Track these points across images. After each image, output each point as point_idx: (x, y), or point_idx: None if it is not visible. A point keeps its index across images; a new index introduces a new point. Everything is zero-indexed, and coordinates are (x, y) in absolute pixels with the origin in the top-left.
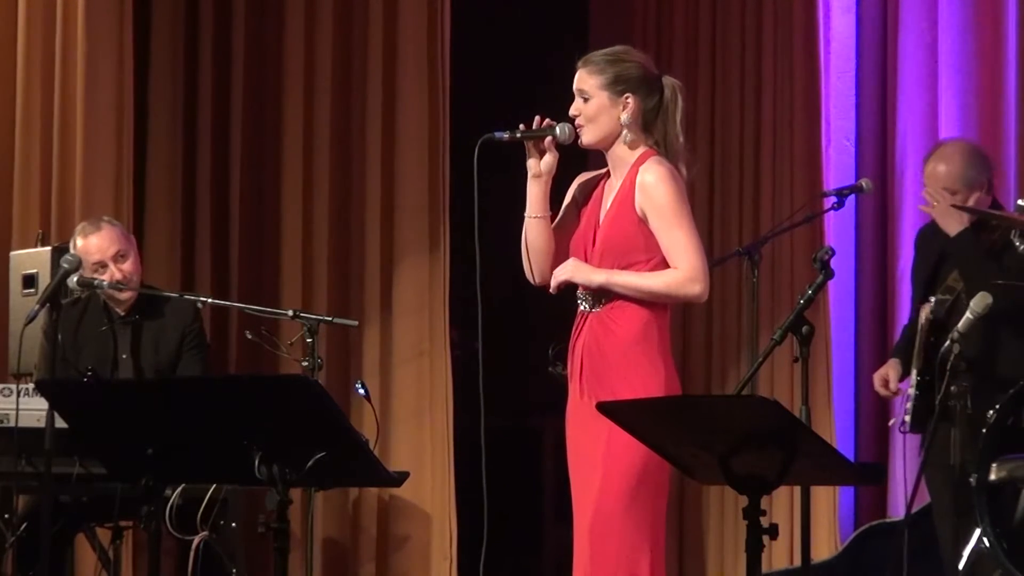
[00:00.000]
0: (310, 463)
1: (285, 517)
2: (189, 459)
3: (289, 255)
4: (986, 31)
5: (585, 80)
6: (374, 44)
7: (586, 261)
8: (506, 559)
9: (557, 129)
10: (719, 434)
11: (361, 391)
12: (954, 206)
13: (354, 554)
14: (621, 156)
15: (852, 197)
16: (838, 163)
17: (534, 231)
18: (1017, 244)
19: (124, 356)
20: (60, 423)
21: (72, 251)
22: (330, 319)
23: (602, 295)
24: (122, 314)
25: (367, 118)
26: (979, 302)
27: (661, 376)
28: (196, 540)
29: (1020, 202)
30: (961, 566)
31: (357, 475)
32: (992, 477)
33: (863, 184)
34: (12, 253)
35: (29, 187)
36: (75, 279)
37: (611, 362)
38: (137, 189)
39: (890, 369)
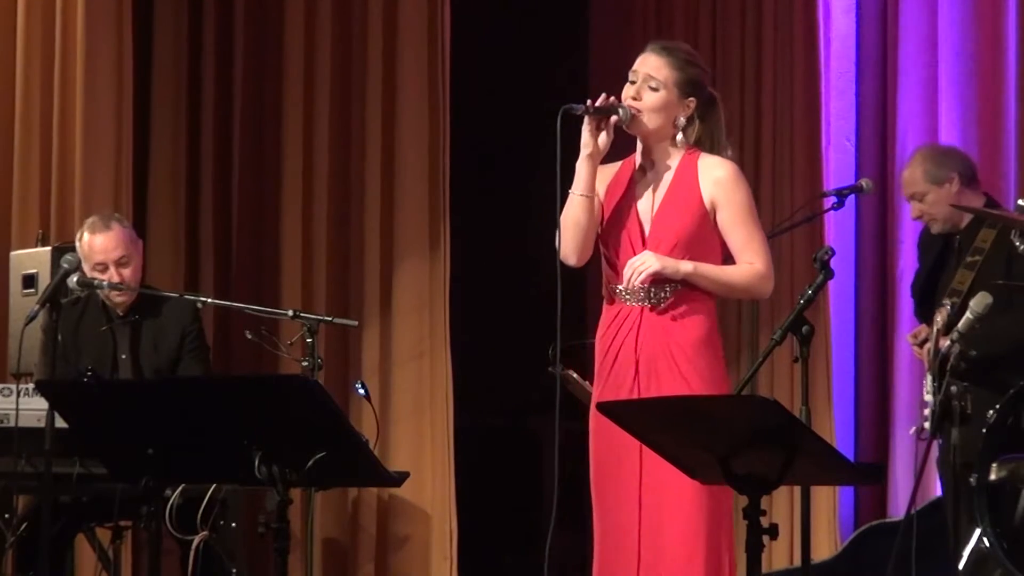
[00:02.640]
0: (310, 463)
1: (285, 517)
2: (189, 459)
3: (289, 255)
4: (986, 31)
5: (661, 70)
6: (374, 44)
7: (635, 254)
8: (506, 559)
9: (621, 111)
10: (719, 434)
11: (361, 391)
12: (954, 206)
13: (354, 554)
14: (666, 151)
15: (852, 197)
16: (838, 163)
17: (581, 210)
18: (1017, 244)
19: (123, 356)
20: (60, 423)
21: (77, 243)
22: (330, 319)
23: (665, 290)
24: (121, 314)
25: (367, 118)
26: (979, 302)
27: (726, 372)
28: (196, 540)
29: (1020, 202)
30: (961, 566)
31: (357, 475)
32: (992, 477)
33: (863, 184)
34: (12, 253)
35: (29, 187)
36: (75, 279)
37: (686, 359)
38: (140, 190)
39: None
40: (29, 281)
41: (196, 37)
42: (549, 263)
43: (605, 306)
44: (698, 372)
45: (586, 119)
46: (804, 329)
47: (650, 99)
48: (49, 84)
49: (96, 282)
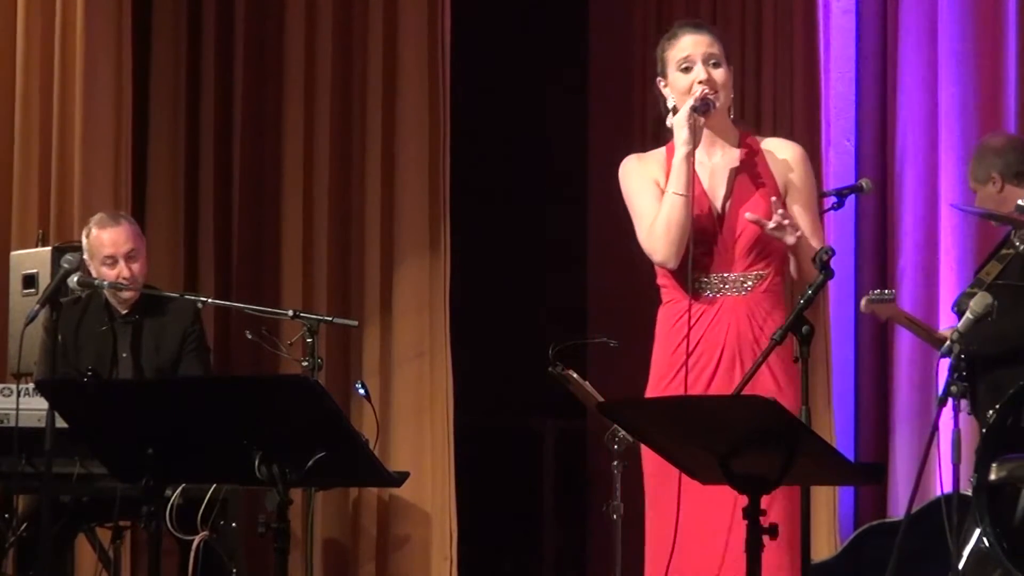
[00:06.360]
0: (310, 463)
1: (285, 517)
2: (189, 459)
3: (289, 255)
4: (986, 31)
5: (714, 45)
6: (374, 44)
7: (715, 245)
8: (506, 559)
9: (712, 100)
10: (719, 434)
11: (361, 391)
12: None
13: (354, 554)
14: (726, 129)
15: (852, 197)
16: (838, 163)
17: (684, 211)
18: (1017, 244)
19: (124, 356)
20: (60, 423)
21: (84, 239)
22: (330, 319)
23: (751, 277)
24: (123, 313)
25: (367, 118)
26: (979, 302)
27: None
28: (196, 540)
29: (1021, 202)
30: (961, 566)
31: (357, 475)
32: (992, 477)
33: (863, 184)
34: (12, 253)
35: (28, 187)
36: (75, 279)
37: (781, 354)
38: (139, 189)
39: None
40: (29, 281)
41: (195, 37)
42: (549, 263)
43: (671, 303)
44: (781, 361)
45: (687, 114)
46: (804, 329)
47: (720, 75)
48: (49, 84)
49: (97, 282)
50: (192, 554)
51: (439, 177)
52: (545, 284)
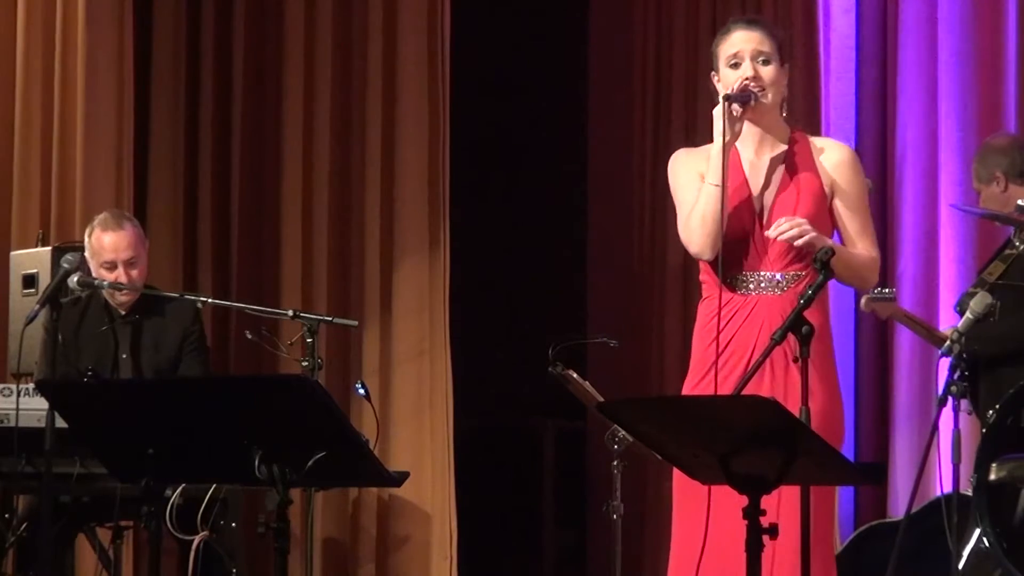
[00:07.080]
0: (310, 463)
1: (285, 517)
2: (189, 459)
3: (289, 255)
4: (986, 31)
5: (764, 42)
6: (374, 44)
7: (753, 242)
8: (506, 559)
9: (753, 94)
10: (719, 434)
11: (361, 391)
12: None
13: (354, 554)
14: (776, 127)
15: None
16: None
17: (718, 202)
18: (1019, 245)
19: (124, 356)
20: (60, 423)
21: (87, 239)
22: (330, 319)
23: (787, 277)
24: (123, 313)
25: (367, 118)
26: (979, 302)
27: (835, 364)
28: (196, 540)
29: (1021, 202)
30: (961, 566)
31: (357, 475)
32: (992, 477)
33: None
34: (12, 253)
35: (29, 187)
36: (75, 279)
37: (813, 352)
38: (138, 189)
39: None
40: (29, 281)
41: (195, 37)
42: (548, 263)
43: (709, 299)
44: (812, 363)
45: (724, 106)
46: (804, 329)
47: (768, 73)
48: (49, 84)
49: (97, 282)
50: (192, 554)
51: (439, 177)
52: (545, 284)
